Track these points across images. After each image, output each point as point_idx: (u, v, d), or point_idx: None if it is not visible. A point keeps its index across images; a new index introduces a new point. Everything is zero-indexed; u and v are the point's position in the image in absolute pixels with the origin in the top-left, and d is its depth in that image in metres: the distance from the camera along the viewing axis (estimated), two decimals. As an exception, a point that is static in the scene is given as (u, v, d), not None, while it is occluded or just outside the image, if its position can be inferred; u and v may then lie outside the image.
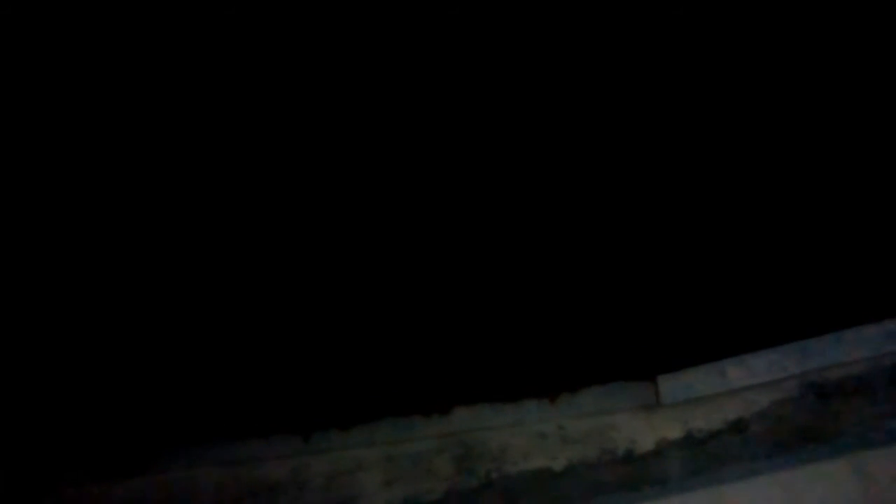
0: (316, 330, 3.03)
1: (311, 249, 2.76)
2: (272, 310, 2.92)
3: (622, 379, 3.21)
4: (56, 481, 2.86)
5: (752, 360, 3.20)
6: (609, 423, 3.20)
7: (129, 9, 1.63)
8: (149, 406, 2.90)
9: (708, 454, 3.18)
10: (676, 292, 3.22)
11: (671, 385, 3.20)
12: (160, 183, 2.32)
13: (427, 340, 3.18)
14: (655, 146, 2.94)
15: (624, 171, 2.95)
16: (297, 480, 3.03)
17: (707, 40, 2.18)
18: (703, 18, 2.06)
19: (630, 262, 3.13)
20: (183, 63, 1.79)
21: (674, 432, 3.19)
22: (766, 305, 3.28)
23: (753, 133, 3.03)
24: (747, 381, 3.19)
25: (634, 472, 3.17)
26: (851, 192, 3.18)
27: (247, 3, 1.68)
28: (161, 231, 2.53)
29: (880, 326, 3.21)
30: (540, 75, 2.20)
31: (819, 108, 2.95)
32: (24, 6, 1.55)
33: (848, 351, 3.20)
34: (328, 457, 3.08)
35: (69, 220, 2.38)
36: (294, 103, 2.01)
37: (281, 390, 3.07)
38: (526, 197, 2.88)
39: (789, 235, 3.25)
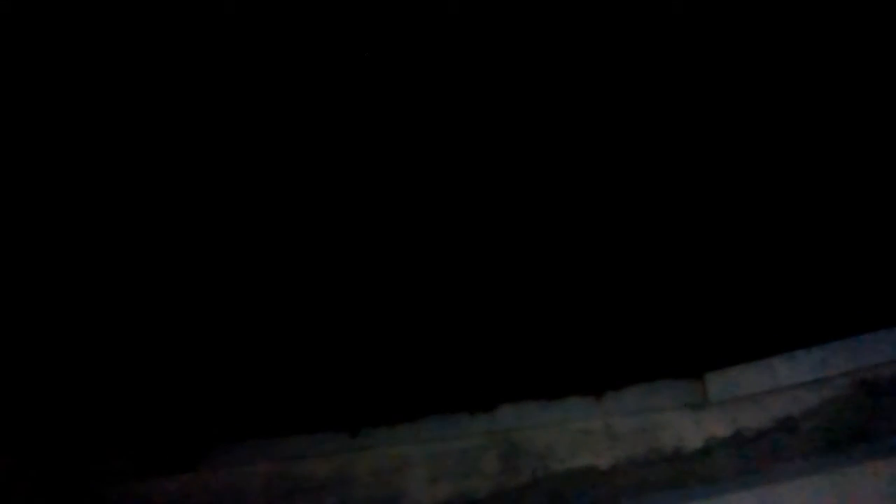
0: (363, 328, 3.04)
1: (356, 249, 2.77)
2: (320, 309, 2.94)
3: (669, 376, 3.18)
4: (106, 478, 2.90)
5: (801, 357, 3.16)
6: (656, 420, 3.17)
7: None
8: (199, 404, 2.93)
9: (757, 452, 3.13)
10: (724, 289, 3.18)
11: (719, 382, 3.16)
12: (198, 185, 2.33)
13: (472, 338, 3.18)
14: (700, 141, 2.91)
15: (668, 169, 2.93)
16: (343, 477, 3.04)
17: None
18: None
19: (678, 259, 3.10)
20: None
21: (722, 430, 3.15)
22: (816, 302, 3.23)
23: (798, 127, 2.99)
24: (797, 379, 3.14)
25: (682, 470, 3.13)
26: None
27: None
28: (207, 230, 2.55)
29: (934, 323, 3.15)
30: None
31: (852, 96, 2.91)
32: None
33: (900, 348, 3.14)
34: (374, 454, 3.08)
35: (109, 220, 2.41)
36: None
37: (328, 388, 3.09)
38: (569, 193, 2.87)
39: (840, 231, 3.20)
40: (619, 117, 2.57)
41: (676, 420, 3.17)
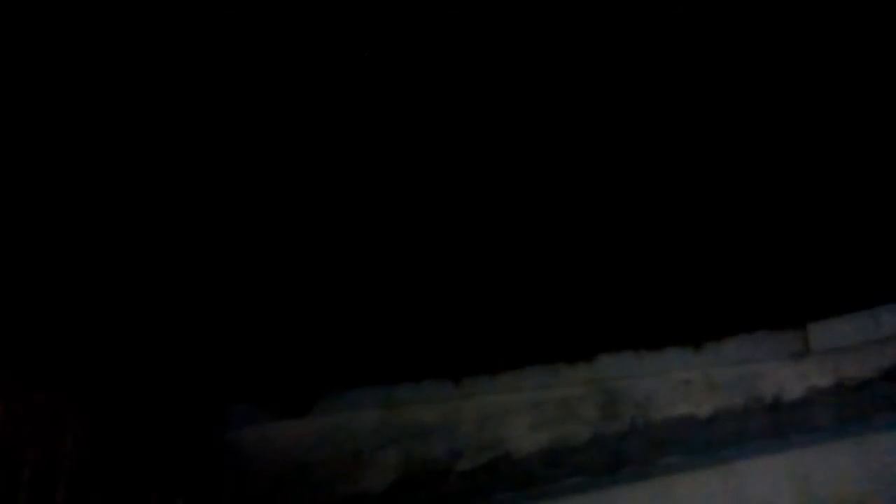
0: (464, 280, 3.12)
1: (462, 203, 2.82)
2: (421, 262, 3.02)
3: (770, 327, 3.19)
4: (230, 423, 3.08)
5: (907, 307, 3.13)
6: (756, 370, 3.20)
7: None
8: (312, 353, 3.07)
9: (859, 402, 3.14)
10: (826, 236, 3.15)
11: (821, 332, 3.16)
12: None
13: (571, 289, 3.23)
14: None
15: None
16: (449, 423, 3.16)
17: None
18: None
19: (777, 208, 3.08)
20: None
21: (824, 380, 3.16)
22: (923, 251, 3.17)
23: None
24: (902, 329, 3.12)
25: (782, 419, 3.16)
26: None
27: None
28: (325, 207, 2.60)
29: None
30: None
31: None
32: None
33: None
34: (478, 401, 3.20)
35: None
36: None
37: (432, 338, 3.19)
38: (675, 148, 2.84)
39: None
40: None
41: (777, 370, 3.19)
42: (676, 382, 3.23)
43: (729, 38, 2.06)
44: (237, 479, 3.01)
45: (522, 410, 3.22)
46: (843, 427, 3.16)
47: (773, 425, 3.17)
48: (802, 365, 3.18)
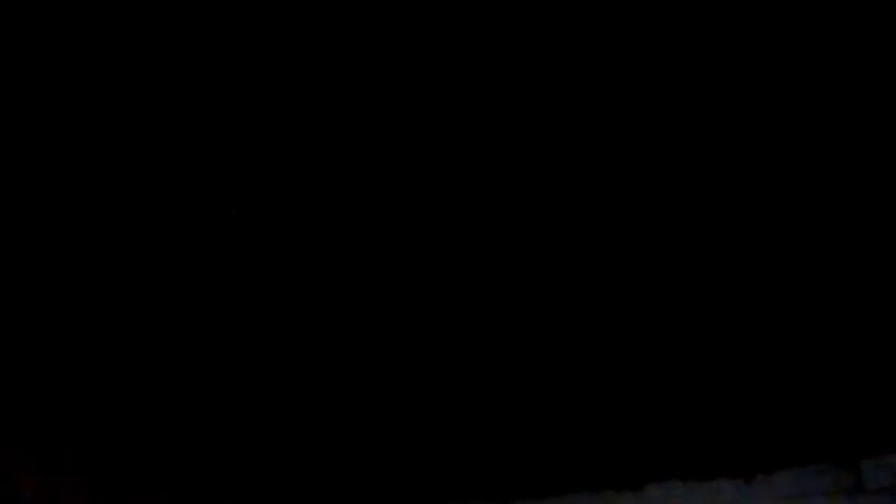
0: (513, 405, 3.18)
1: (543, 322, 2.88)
2: (473, 387, 3.09)
3: (822, 461, 3.15)
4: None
5: (964, 446, 3.06)
6: (808, 506, 3.14)
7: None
8: (363, 471, 3.14)
9: (919, 544, 3.04)
10: (883, 372, 3.14)
11: (875, 469, 3.10)
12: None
13: (620, 416, 3.26)
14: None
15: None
16: (495, 547, 3.16)
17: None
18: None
19: (834, 341, 3.09)
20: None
21: (879, 519, 3.08)
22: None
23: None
24: (960, 469, 3.05)
25: (837, 559, 3.07)
26: None
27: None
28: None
29: None
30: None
31: None
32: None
33: None
34: (524, 526, 3.20)
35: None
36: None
37: (480, 461, 3.23)
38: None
39: None
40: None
41: (830, 506, 3.12)
42: (726, 515, 3.19)
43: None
44: None
45: (569, 537, 3.20)
46: (903, 570, 3.05)
47: (828, 565, 3.08)
48: (856, 502, 3.11)
